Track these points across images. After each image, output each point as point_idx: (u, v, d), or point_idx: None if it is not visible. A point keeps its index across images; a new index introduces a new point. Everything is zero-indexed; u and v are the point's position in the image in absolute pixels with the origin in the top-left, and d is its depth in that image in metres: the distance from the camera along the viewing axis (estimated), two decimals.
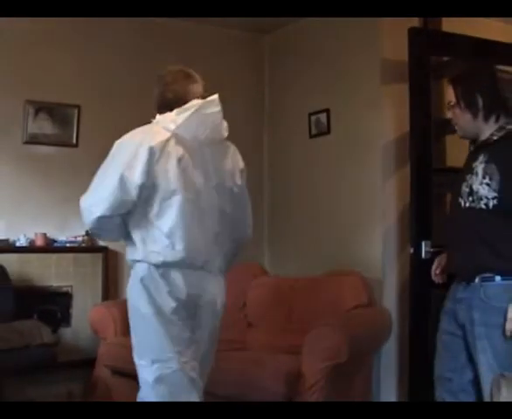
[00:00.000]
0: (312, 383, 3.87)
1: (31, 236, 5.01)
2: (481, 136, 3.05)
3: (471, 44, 4.49)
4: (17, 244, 4.98)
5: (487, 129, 3.02)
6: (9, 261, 4.83)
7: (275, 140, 5.98)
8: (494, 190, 2.90)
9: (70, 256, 5.10)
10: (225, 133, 3.06)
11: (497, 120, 3.01)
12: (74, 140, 5.27)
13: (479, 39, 4.53)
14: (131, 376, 3.36)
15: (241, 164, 3.13)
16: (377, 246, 4.86)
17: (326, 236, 5.31)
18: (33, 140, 5.16)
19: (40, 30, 5.09)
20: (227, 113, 5.69)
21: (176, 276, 2.84)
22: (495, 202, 2.90)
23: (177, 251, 2.81)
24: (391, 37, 4.75)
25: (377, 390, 4.73)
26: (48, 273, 5.07)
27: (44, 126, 5.20)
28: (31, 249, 5.01)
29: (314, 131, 5.48)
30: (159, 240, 2.81)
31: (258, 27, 5.81)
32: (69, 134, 5.27)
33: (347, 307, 4.49)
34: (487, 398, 2.83)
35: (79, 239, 5.12)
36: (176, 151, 2.85)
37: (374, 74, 4.89)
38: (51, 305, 5.04)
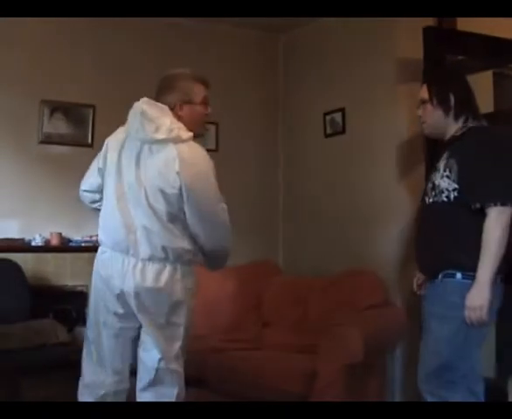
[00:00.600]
0: (327, 383, 3.88)
1: (47, 235, 5.03)
2: (447, 135, 3.12)
3: (486, 44, 4.49)
4: (33, 244, 4.99)
5: (454, 129, 3.10)
6: (24, 260, 4.85)
7: (290, 140, 5.98)
8: (454, 181, 2.96)
9: (85, 255, 5.08)
10: (159, 135, 3.03)
11: (466, 122, 3.09)
12: (89, 140, 5.28)
13: (494, 38, 4.52)
14: None
15: (178, 167, 3.00)
16: (391, 245, 4.86)
17: (340, 235, 5.31)
18: (48, 140, 5.19)
19: (55, 31, 5.12)
20: (242, 112, 5.81)
21: (106, 257, 3.17)
22: (456, 193, 2.96)
23: (105, 233, 3.19)
24: (406, 36, 4.74)
25: (393, 390, 4.73)
26: (63, 273, 5.09)
27: (60, 126, 5.22)
28: (46, 248, 5.02)
29: (329, 130, 5.48)
30: (100, 221, 3.24)
31: (273, 27, 5.81)
32: (84, 134, 5.29)
33: (362, 306, 4.48)
34: None
35: (95, 239, 5.07)
36: (119, 147, 3.16)
37: (389, 74, 4.89)
38: (66, 305, 5.04)
